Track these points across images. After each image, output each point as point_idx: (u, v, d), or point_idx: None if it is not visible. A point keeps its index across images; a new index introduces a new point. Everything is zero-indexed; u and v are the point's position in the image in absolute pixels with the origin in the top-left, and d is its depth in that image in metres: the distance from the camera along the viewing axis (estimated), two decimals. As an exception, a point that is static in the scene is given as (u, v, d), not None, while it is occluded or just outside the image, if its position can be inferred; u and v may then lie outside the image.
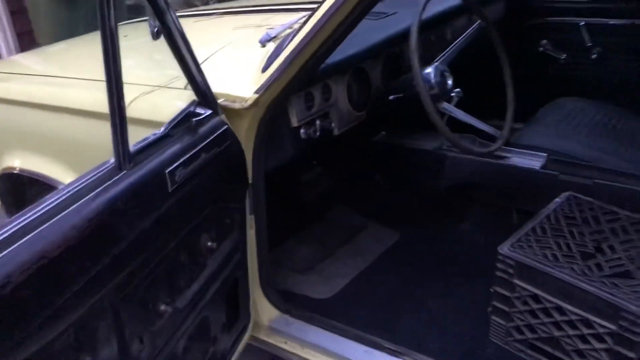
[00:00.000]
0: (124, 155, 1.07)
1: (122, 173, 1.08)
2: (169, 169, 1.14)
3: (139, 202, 1.08)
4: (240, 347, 1.56)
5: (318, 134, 1.65)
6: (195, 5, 3.33)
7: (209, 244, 1.29)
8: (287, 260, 2.02)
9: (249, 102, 1.47)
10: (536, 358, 1.58)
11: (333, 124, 1.71)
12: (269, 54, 1.58)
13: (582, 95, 2.28)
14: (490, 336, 1.67)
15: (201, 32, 2.11)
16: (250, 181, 1.52)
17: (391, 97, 1.76)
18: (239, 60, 1.73)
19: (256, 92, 1.46)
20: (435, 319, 1.75)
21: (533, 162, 1.93)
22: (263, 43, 1.71)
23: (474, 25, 1.87)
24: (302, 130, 1.62)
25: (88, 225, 0.98)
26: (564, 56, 2.42)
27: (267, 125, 1.52)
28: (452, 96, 1.91)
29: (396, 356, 1.54)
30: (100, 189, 1.03)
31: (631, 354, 1.38)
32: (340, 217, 2.28)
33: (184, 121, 1.25)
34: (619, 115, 2.14)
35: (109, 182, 1.05)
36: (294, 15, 1.82)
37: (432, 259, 2.02)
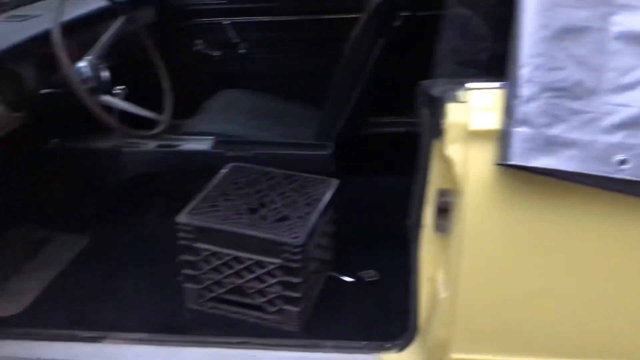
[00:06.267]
0: None
1: None
2: None
3: None
4: None
5: None
6: None
7: None
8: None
9: None
10: (227, 309, 1.77)
11: None
12: None
13: (237, 87, 2.59)
14: (186, 303, 1.80)
15: None
16: None
17: (42, 91, 1.76)
18: None
19: None
20: (133, 302, 1.81)
21: (203, 145, 2.14)
22: None
23: (118, 21, 1.98)
24: None
25: None
26: (217, 53, 2.69)
27: None
28: (118, 93, 1.99)
29: (96, 342, 1.57)
30: None
31: (296, 280, 1.66)
32: (23, 233, 2.17)
33: None
34: (268, 100, 2.51)
35: None
36: None
37: (123, 252, 2.07)
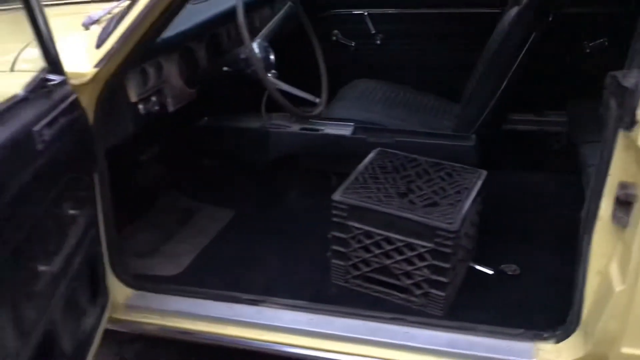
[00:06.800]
0: None
1: None
2: (36, 127, 1.13)
3: (13, 156, 1.06)
4: (103, 325, 1.55)
5: (157, 108, 1.71)
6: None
7: (71, 211, 1.29)
8: (129, 247, 2.02)
9: (88, 77, 1.48)
10: (371, 288, 1.83)
11: (168, 100, 1.78)
12: (96, 34, 1.60)
13: (371, 77, 2.65)
14: (332, 278, 1.88)
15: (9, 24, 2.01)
16: None
17: (225, 68, 1.88)
18: (64, 43, 1.70)
19: (95, 66, 1.48)
20: (281, 273, 1.91)
21: (344, 130, 2.21)
22: (87, 26, 1.72)
23: (285, 7, 2.09)
24: (140, 106, 1.67)
25: None
26: (353, 43, 2.77)
27: (106, 101, 1.54)
28: (272, 75, 2.10)
29: (255, 304, 1.67)
30: None
31: (446, 265, 1.69)
32: (173, 202, 2.34)
33: (40, 86, 1.24)
34: (402, 91, 2.55)
35: None
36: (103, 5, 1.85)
37: (267, 226, 2.18)
